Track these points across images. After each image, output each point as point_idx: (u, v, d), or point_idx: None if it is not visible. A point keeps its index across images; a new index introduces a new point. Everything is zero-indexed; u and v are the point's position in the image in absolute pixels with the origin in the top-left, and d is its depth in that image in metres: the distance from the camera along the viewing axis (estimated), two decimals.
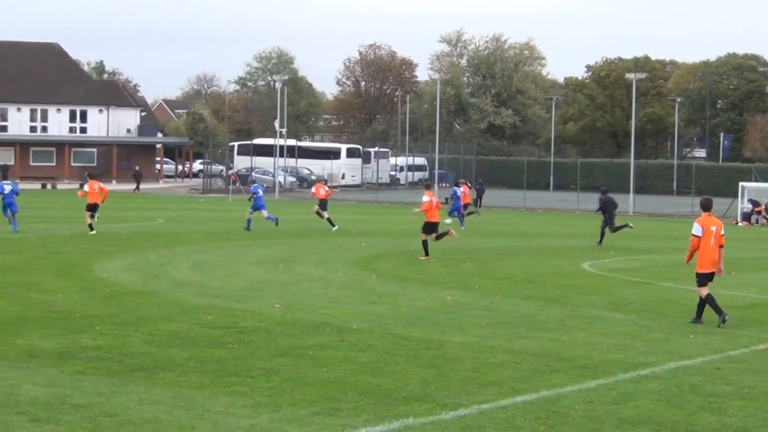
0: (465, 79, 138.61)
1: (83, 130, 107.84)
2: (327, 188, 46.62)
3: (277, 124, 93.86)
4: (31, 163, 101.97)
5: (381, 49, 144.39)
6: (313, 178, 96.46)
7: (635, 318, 19.72)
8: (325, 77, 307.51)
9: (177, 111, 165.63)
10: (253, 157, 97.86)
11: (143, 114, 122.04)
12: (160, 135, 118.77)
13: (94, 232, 37.46)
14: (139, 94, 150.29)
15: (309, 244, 35.44)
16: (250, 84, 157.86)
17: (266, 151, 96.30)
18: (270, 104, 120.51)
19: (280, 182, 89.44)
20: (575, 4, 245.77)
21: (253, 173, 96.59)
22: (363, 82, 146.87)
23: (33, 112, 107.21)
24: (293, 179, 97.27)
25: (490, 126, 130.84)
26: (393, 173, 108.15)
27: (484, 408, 12.04)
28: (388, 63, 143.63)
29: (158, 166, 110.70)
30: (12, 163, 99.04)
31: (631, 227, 40.37)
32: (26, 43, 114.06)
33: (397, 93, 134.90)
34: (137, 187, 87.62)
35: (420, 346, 15.97)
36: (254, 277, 25.20)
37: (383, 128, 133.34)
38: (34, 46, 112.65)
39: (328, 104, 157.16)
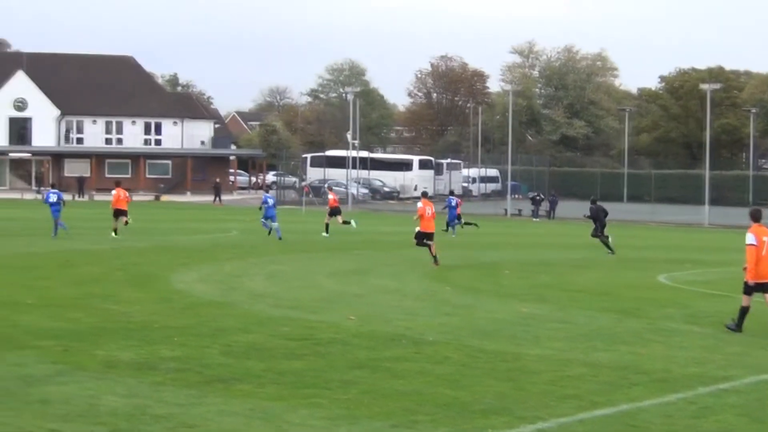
0: (537, 90, 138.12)
1: (158, 142, 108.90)
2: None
3: (349, 135, 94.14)
4: (107, 175, 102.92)
5: (452, 61, 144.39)
6: (386, 189, 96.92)
7: (713, 331, 19.49)
8: (397, 89, 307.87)
9: (250, 123, 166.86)
10: (326, 169, 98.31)
11: (217, 126, 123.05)
12: (233, 147, 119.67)
13: (118, 236, 40.11)
14: (212, 107, 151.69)
15: (382, 256, 35.47)
16: (322, 96, 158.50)
17: (339, 162, 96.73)
18: (342, 116, 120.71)
19: (352, 194, 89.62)
20: (648, 15, 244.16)
21: (326, 185, 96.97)
22: (435, 94, 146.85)
23: (108, 124, 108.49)
24: (366, 191, 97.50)
25: (562, 137, 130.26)
26: (465, 185, 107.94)
27: (563, 422, 11.95)
28: (460, 74, 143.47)
29: (232, 178, 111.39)
30: (88, 174, 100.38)
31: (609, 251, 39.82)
32: (102, 56, 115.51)
33: (468, 104, 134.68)
34: (218, 199, 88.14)
35: (496, 358, 15.90)
36: (329, 288, 25.27)
37: (455, 140, 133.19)
38: (109, 59, 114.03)
39: (399, 116, 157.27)
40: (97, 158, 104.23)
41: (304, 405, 12.36)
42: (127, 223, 41.53)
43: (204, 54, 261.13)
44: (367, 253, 36.68)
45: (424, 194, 34.80)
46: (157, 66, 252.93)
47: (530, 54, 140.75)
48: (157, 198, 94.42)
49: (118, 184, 43.75)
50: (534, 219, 76.69)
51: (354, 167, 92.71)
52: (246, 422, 11.53)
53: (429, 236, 32.25)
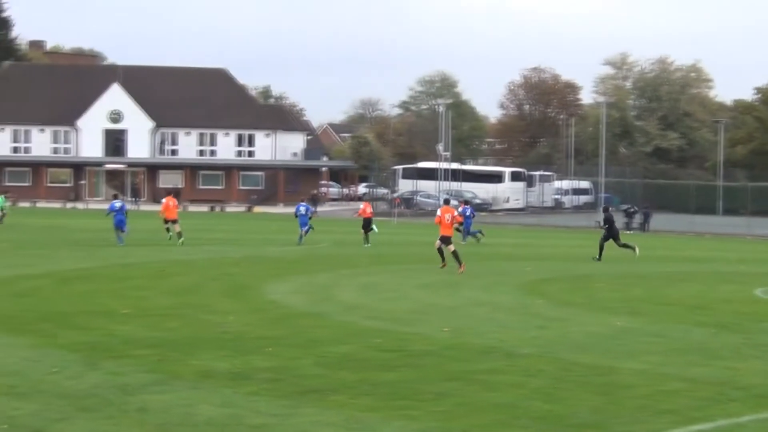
0: (630, 101, 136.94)
1: (250, 153, 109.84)
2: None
3: (440, 147, 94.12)
4: (200, 186, 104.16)
5: (544, 72, 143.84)
6: (477, 201, 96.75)
7: None
8: (489, 101, 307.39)
9: (341, 135, 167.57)
10: (417, 181, 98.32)
11: (309, 138, 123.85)
12: (325, 158, 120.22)
13: (171, 237, 43.26)
14: (304, 119, 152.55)
15: (474, 268, 35.32)
16: (413, 108, 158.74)
17: (430, 174, 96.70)
18: (433, 128, 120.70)
19: None
20: (742, 26, 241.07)
21: (417, 197, 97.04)
22: (526, 105, 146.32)
23: (202, 136, 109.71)
24: (456, 203, 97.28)
25: (656, 149, 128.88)
26: (557, 197, 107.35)
27: None
28: (552, 86, 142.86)
29: (324, 189, 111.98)
30: (181, 185, 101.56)
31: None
32: (195, 68, 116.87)
33: (561, 116, 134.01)
34: (314, 210, 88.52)
35: (590, 372, 15.75)
36: (421, 300, 25.25)
37: (547, 151, 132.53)
38: (203, 72, 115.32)
39: (491, 127, 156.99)
40: (191, 170, 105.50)
41: (398, 416, 12.35)
42: (171, 229, 44.12)
43: (296, 66, 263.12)
44: (458, 266, 36.57)
45: (446, 201, 36.23)
46: (250, 78, 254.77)
47: (623, 65, 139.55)
48: (249, 209, 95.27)
49: (168, 193, 47.39)
50: (627, 232, 75.96)
51: (445, 179, 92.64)
52: None
53: (447, 240, 33.51)
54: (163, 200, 46.23)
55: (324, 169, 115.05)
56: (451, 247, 33.59)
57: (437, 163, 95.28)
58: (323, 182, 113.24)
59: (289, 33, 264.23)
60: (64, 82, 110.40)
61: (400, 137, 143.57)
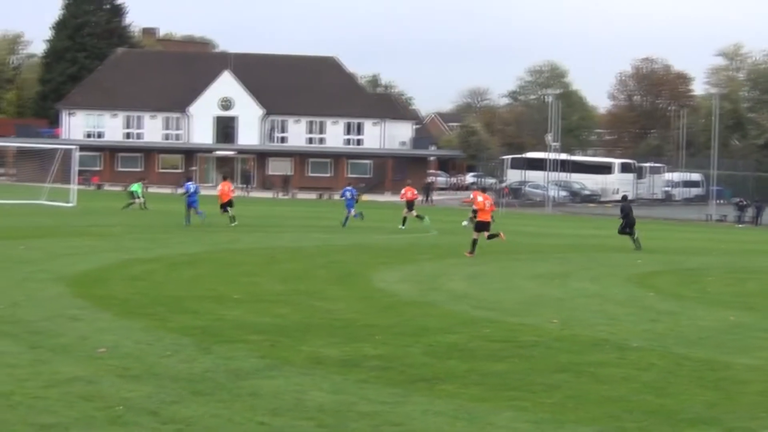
0: (743, 93, 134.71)
1: (359, 142, 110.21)
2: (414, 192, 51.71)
3: (549, 137, 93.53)
4: (309, 174, 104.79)
5: (655, 63, 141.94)
6: (586, 192, 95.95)
7: None
8: (598, 91, 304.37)
9: (449, 124, 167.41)
10: (525, 171, 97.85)
11: (416, 127, 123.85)
12: (432, 148, 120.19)
13: (235, 223, 45.14)
14: (412, 108, 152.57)
15: (583, 259, 35.10)
16: (521, 98, 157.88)
17: (538, 164, 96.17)
18: (541, 118, 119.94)
19: (552, 196, 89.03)
20: None
21: (525, 187, 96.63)
22: (636, 96, 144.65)
23: (311, 124, 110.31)
24: (565, 193, 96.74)
25: None
26: (667, 189, 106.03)
27: None
28: (663, 77, 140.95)
29: (431, 179, 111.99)
30: (290, 173, 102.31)
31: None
32: (305, 57, 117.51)
33: (671, 107, 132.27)
34: (429, 199, 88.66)
35: (703, 367, 15.53)
36: (530, 291, 25.11)
37: (657, 143, 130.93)
38: (312, 60, 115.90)
39: (600, 118, 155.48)
40: (300, 157, 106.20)
41: (508, 407, 12.30)
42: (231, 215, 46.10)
43: (405, 55, 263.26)
44: (569, 256, 36.36)
45: (483, 189, 38.41)
46: (359, 67, 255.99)
47: (736, 56, 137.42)
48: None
49: (224, 178, 49.88)
50: (738, 225, 74.81)
51: (553, 170, 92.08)
52: (450, 422, 11.54)
53: (485, 225, 34.54)
54: (219, 186, 48.65)
55: (432, 158, 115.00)
56: (485, 234, 34.46)
57: (546, 154, 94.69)
58: (431, 171, 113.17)
59: (398, 22, 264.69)
60: (176, 69, 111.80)
61: (509, 127, 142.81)
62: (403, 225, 48.44)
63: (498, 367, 14.77)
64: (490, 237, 34.62)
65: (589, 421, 11.83)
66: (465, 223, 47.65)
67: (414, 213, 49.29)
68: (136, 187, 60.56)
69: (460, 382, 13.67)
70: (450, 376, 13.99)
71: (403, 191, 50.98)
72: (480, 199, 35.26)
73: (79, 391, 12.25)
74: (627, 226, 41.19)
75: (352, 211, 49.15)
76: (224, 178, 50.25)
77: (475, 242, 34.42)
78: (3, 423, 10.76)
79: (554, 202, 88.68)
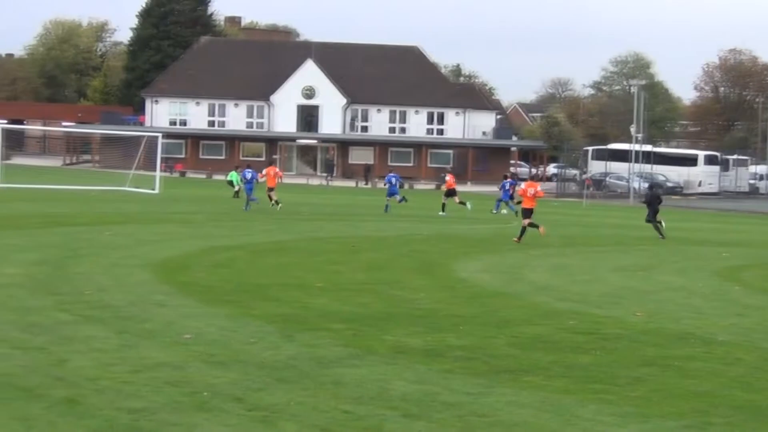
0: None
1: (440, 132, 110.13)
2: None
3: (633, 129, 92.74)
4: (390, 163, 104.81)
5: (742, 54, 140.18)
6: (669, 184, 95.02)
7: None
8: (684, 82, 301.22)
9: (531, 114, 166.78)
10: (608, 162, 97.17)
11: (499, 117, 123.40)
12: (514, 138, 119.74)
13: (279, 206, 47.04)
14: (494, 98, 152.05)
15: (667, 252, 34.75)
16: (605, 88, 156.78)
17: (621, 156, 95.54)
18: (625, 109, 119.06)
19: (634, 188, 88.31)
20: None
21: (608, 178, 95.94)
22: (722, 88, 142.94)
23: (392, 113, 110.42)
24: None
25: None
26: (752, 182, 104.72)
27: None
28: (750, 68, 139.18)
29: (512, 170, 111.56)
30: (372, 162, 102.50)
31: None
32: (388, 46, 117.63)
33: (758, 99, 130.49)
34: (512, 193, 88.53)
35: None
36: (614, 283, 24.89)
37: (743, 135, 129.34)
38: (395, 50, 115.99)
39: (685, 110, 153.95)
40: (381, 147, 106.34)
41: (593, 400, 12.20)
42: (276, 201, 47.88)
43: (487, 45, 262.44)
44: (652, 249, 36.00)
45: (533, 178, 39.58)
46: (442, 56, 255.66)
47: None
48: (438, 187, 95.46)
49: (270, 163, 52.48)
50: None
51: (637, 161, 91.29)
52: (536, 414, 11.47)
53: (528, 213, 35.19)
54: (264, 171, 50.54)
55: (513, 148, 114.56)
56: (526, 222, 35.12)
57: (629, 145, 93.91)
58: (513, 162, 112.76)
59: (481, 11, 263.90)
60: (259, 58, 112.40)
61: (592, 118, 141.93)
62: (443, 211, 50.49)
63: (583, 360, 14.66)
64: (529, 224, 35.00)
65: (674, 415, 11.70)
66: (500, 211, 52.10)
67: (457, 199, 51.52)
68: (233, 176, 61.13)
69: (545, 373, 13.59)
70: (534, 368, 13.91)
71: (447, 178, 53.16)
72: (522, 186, 36.51)
73: (165, 376, 12.35)
74: (653, 213, 41.40)
75: (397, 197, 51.55)
76: (270, 163, 52.57)
77: (524, 230, 34.98)
78: (91, 407, 10.88)
79: (636, 193, 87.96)
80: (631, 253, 33.75)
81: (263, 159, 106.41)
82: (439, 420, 11.07)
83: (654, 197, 41.91)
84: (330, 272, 24.04)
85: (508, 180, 53.63)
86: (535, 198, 35.51)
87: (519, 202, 37.86)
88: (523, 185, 36.71)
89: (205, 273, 22.86)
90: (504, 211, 52.84)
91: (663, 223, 40.76)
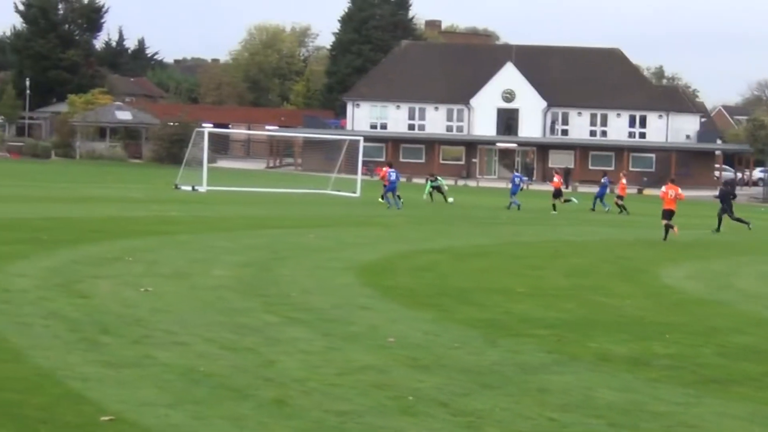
0: None
1: (642, 135, 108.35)
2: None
3: None
4: (591, 167, 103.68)
5: None
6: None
7: None
8: None
9: (736, 117, 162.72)
10: None
11: (703, 120, 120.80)
12: (719, 142, 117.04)
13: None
14: (697, 100, 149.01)
15: None
16: None
17: None
18: None
19: None
20: None
21: (555, 168, 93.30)
22: None
23: (593, 116, 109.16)
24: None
25: None
26: None
27: None
28: None
29: (717, 174, 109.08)
30: (572, 166, 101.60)
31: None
32: (589, 48, 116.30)
33: None
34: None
35: None
36: None
37: None
38: (596, 52, 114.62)
39: None
40: (582, 150, 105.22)
41: None
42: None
43: (691, 46, 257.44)
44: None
45: (672, 180, 39.13)
46: (643, 58, 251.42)
47: None
48: (639, 191, 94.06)
49: (390, 165, 53.83)
50: None
51: None
52: (746, 426, 11.20)
53: (668, 214, 36.34)
54: (384, 169, 52.37)
55: (717, 152, 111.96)
56: (664, 222, 36.30)
57: None
58: (717, 166, 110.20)
59: (683, 12, 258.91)
60: (459, 61, 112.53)
61: None
62: (555, 210, 52.03)
63: None
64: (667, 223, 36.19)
65: None
66: (451, 200, 55.71)
67: (562, 199, 54.44)
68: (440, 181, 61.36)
69: (755, 384, 13.26)
70: (744, 378, 13.58)
71: (555, 179, 55.55)
72: (663, 189, 37.58)
73: (371, 379, 12.47)
74: (723, 212, 42.83)
75: (514, 198, 53.28)
76: (389, 165, 53.63)
77: (666, 228, 36.18)
78: (299, 408, 11.05)
79: None
80: None
81: (462, 162, 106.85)
82: (646, 430, 10.91)
83: (726, 193, 43.52)
84: (532, 277, 23.91)
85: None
86: (675, 200, 36.76)
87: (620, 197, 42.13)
88: (663, 188, 37.79)
89: (408, 276, 22.99)
90: (604, 207, 55.65)
91: (734, 220, 43.16)
